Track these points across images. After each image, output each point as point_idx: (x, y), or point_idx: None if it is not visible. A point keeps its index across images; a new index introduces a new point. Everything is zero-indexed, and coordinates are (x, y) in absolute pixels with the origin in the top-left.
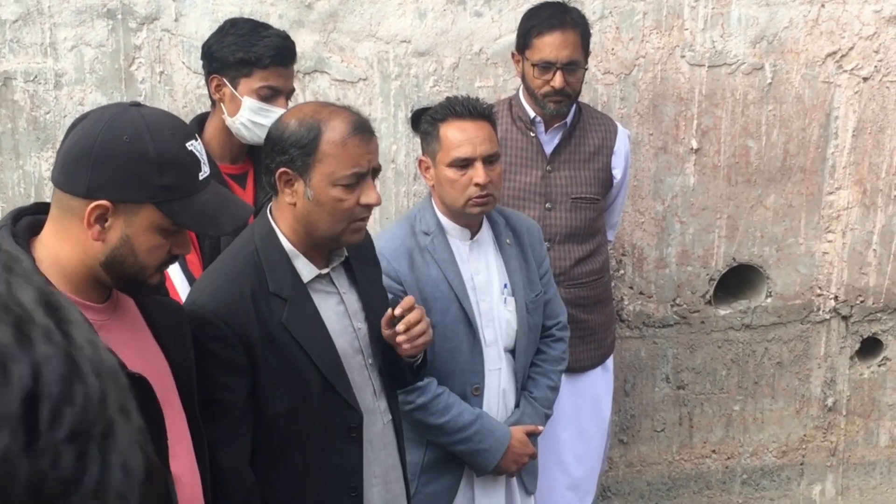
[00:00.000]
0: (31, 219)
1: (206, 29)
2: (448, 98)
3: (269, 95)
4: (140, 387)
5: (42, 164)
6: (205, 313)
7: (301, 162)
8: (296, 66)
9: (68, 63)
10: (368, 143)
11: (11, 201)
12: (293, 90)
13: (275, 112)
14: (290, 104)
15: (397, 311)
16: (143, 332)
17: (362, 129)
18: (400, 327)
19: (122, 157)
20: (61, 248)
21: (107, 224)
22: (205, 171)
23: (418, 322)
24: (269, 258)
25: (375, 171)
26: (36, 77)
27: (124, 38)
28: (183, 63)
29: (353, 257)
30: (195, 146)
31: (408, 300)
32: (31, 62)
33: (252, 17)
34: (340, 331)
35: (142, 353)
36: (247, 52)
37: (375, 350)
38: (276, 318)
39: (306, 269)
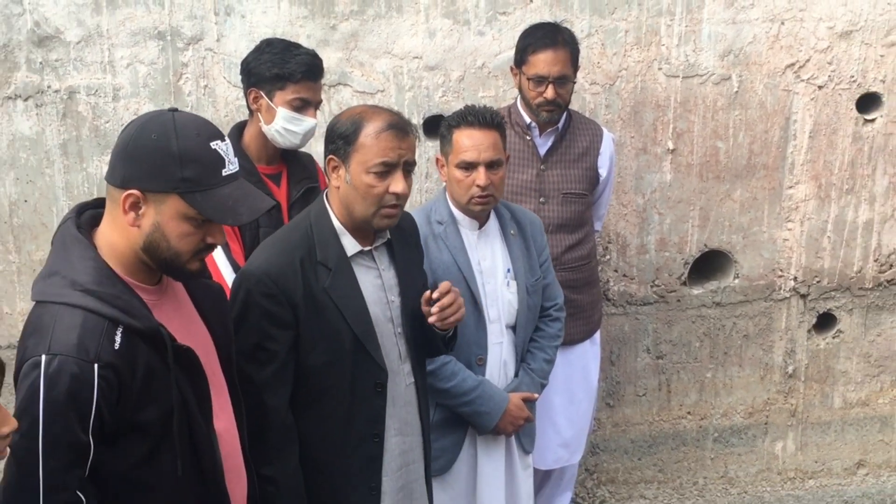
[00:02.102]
0: (93, 212)
1: (243, 48)
2: (465, 107)
3: (300, 106)
4: (188, 357)
5: (102, 167)
6: (259, 274)
7: (344, 151)
8: (323, 80)
9: (124, 78)
10: (400, 140)
11: (76, 199)
12: (321, 101)
13: (305, 121)
14: (319, 114)
15: (435, 295)
16: (190, 311)
17: (396, 126)
18: (435, 308)
19: (148, 152)
20: (113, 236)
21: (140, 212)
22: (230, 168)
23: (451, 304)
24: (320, 232)
25: (407, 164)
26: (97, 91)
27: (173, 57)
28: (224, 77)
29: (396, 240)
30: (220, 146)
31: (444, 285)
32: (93, 78)
33: (284, 38)
34: (375, 301)
35: (189, 329)
36: (281, 69)
37: (406, 321)
38: (321, 283)
39: (350, 245)
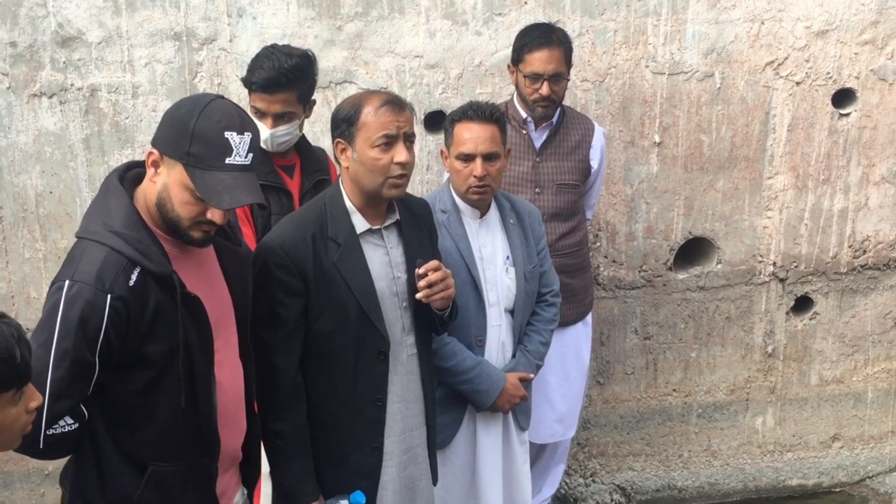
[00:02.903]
0: (140, 170)
1: (255, 48)
2: (468, 102)
3: (255, 114)
4: (195, 304)
5: (123, 159)
6: (273, 246)
7: (348, 132)
8: (328, 79)
9: (143, 77)
10: (398, 113)
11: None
12: (289, 112)
13: (262, 128)
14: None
15: (420, 271)
16: (214, 270)
17: (392, 102)
18: (421, 284)
19: (173, 123)
20: (148, 190)
21: (158, 170)
22: (236, 159)
23: (440, 281)
24: (333, 211)
25: (407, 136)
26: (117, 89)
27: (188, 56)
28: (236, 76)
29: (405, 222)
30: (234, 137)
31: (432, 263)
32: (113, 76)
33: (293, 38)
34: (382, 276)
35: (209, 285)
36: (248, 76)
37: (411, 297)
38: (331, 257)
39: (360, 223)
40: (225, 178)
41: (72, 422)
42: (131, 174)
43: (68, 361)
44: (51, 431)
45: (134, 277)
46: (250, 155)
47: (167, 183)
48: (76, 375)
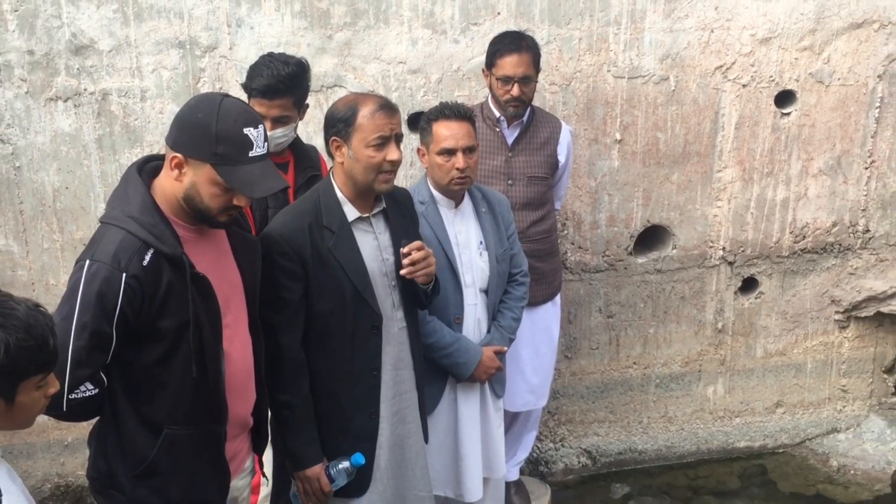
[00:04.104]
0: (157, 164)
1: (253, 55)
2: (441, 103)
3: None
4: (204, 283)
5: (133, 158)
6: (275, 236)
7: (344, 132)
8: (320, 83)
9: (150, 82)
10: (391, 116)
11: (111, 187)
12: (286, 116)
13: None
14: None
15: (404, 250)
16: (225, 253)
17: (386, 106)
18: (405, 261)
19: (193, 127)
20: (166, 184)
21: (183, 171)
22: (257, 151)
23: (423, 259)
24: (327, 202)
25: (398, 136)
26: (126, 93)
27: (192, 63)
28: (236, 81)
29: (391, 209)
30: (252, 132)
31: (415, 243)
32: (123, 82)
33: (287, 46)
34: (372, 258)
35: (219, 266)
36: (248, 82)
37: (399, 276)
38: (326, 243)
39: (351, 212)
40: (252, 169)
41: (92, 387)
42: (149, 167)
43: (88, 333)
44: (73, 396)
45: (148, 258)
46: (265, 144)
47: (195, 181)
48: (95, 345)
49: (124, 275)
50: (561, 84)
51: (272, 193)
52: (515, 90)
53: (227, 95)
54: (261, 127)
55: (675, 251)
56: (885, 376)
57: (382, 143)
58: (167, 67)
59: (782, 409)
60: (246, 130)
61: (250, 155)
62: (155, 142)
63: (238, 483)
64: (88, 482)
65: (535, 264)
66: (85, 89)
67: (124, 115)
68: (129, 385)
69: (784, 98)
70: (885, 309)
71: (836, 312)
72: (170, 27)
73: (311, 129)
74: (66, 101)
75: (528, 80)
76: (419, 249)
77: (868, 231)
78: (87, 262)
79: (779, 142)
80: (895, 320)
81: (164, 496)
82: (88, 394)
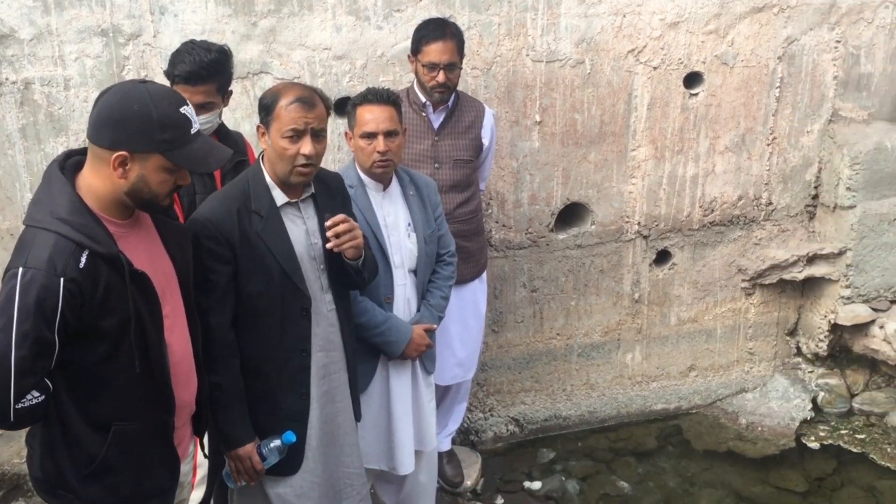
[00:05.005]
0: (78, 158)
1: (177, 42)
2: (367, 88)
3: None
4: (142, 279)
5: (58, 147)
6: (202, 220)
7: (265, 120)
8: (246, 70)
9: (74, 70)
10: (307, 111)
11: (37, 176)
12: (210, 102)
13: None
14: (245, 100)
15: (328, 223)
16: (156, 243)
17: (303, 100)
18: (329, 234)
19: (132, 120)
20: (94, 182)
21: (127, 167)
22: (195, 127)
23: (347, 232)
24: (255, 186)
25: (315, 131)
26: (49, 82)
27: (115, 51)
28: (161, 68)
29: (321, 194)
30: (187, 110)
31: (338, 217)
32: (46, 70)
33: (212, 33)
34: (301, 243)
35: (152, 258)
36: (170, 69)
37: (327, 260)
38: (255, 228)
39: (280, 197)
40: (198, 146)
41: (38, 395)
42: (71, 163)
43: (29, 341)
44: (20, 405)
45: (83, 260)
46: (198, 119)
47: (143, 174)
48: (38, 353)
49: (62, 279)
50: (482, 69)
51: (199, 180)
52: (441, 76)
53: (144, 81)
54: (189, 104)
55: (593, 227)
56: (788, 338)
57: (295, 135)
58: (90, 56)
59: (695, 372)
60: (182, 110)
61: (192, 133)
62: (80, 130)
63: (184, 468)
64: (33, 482)
65: (462, 244)
66: (7, 79)
67: (48, 105)
68: (72, 385)
69: (692, 79)
70: (786, 276)
71: (743, 281)
72: (92, 15)
73: (238, 116)
74: None
75: (453, 67)
76: (343, 222)
77: (771, 204)
78: (21, 269)
79: (688, 121)
80: (796, 287)
81: (116, 492)
82: (35, 401)
